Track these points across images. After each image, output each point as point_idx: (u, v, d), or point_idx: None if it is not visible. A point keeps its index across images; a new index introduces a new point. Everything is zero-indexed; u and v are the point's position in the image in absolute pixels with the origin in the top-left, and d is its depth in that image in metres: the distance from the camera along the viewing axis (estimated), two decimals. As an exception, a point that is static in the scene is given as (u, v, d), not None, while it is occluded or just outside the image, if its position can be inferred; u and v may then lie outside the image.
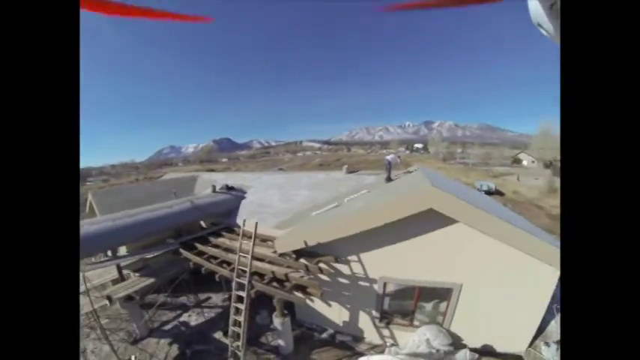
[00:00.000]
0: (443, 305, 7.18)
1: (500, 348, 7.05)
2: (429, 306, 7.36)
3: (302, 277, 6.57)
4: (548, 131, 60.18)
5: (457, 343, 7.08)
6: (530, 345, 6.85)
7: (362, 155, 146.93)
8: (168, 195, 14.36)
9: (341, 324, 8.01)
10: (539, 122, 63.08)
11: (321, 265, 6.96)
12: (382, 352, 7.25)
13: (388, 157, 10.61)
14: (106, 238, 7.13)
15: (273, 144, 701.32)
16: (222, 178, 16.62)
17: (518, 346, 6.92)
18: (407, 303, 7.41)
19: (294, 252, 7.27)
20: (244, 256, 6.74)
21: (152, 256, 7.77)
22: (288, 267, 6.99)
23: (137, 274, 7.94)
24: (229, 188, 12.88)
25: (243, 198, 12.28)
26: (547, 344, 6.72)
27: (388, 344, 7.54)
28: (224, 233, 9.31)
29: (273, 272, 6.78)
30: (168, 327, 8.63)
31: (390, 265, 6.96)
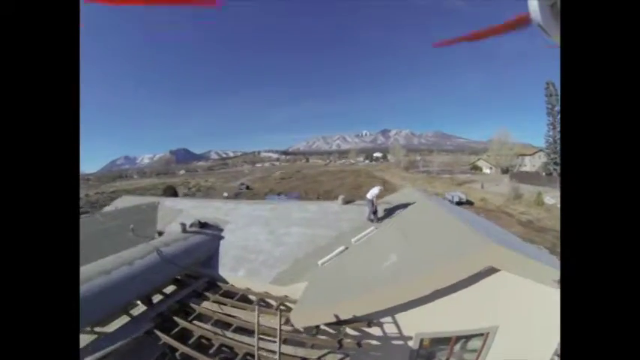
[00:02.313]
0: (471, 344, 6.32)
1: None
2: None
3: None
4: (504, 137, 63.69)
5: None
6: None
7: (321, 166, 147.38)
8: (123, 232, 12.11)
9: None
10: (496, 129, 67.55)
11: (349, 330, 5.52)
12: None
13: (370, 196, 8.78)
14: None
15: (231, 154, 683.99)
16: (189, 207, 14.41)
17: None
18: (440, 350, 6.35)
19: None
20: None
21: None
22: (313, 345, 5.31)
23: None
24: (202, 225, 10.79)
25: (221, 238, 10.21)
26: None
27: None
28: (208, 294, 7.30)
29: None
30: None
31: (428, 320, 5.86)
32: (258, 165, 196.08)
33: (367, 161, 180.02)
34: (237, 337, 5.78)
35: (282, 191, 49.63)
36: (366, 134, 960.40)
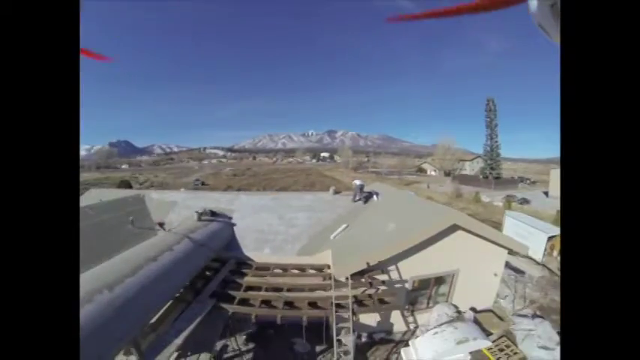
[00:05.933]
0: (443, 288, 9.81)
1: (478, 307, 10.17)
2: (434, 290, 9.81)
3: (377, 291, 7.71)
4: (448, 145, 73.07)
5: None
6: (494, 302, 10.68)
7: (269, 164, 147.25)
8: (121, 224, 11.47)
9: (375, 324, 8.89)
10: (439, 137, 79.87)
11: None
12: (413, 333, 9.02)
13: (359, 182, 12.33)
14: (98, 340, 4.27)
15: (176, 149, 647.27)
16: (182, 198, 15.06)
17: (487, 304, 10.43)
18: (423, 292, 9.58)
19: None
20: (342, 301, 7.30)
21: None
22: (353, 289, 7.62)
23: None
24: (213, 214, 11.89)
25: (234, 224, 11.56)
26: (502, 298, 10.97)
27: (412, 327, 9.16)
28: (245, 270, 8.78)
29: (355, 297, 7.49)
30: None
31: (416, 266, 8.70)
32: (205, 162, 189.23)
33: (314, 160, 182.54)
34: (295, 294, 7.64)
35: (240, 188, 49.43)
36: (312, 134, 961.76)
